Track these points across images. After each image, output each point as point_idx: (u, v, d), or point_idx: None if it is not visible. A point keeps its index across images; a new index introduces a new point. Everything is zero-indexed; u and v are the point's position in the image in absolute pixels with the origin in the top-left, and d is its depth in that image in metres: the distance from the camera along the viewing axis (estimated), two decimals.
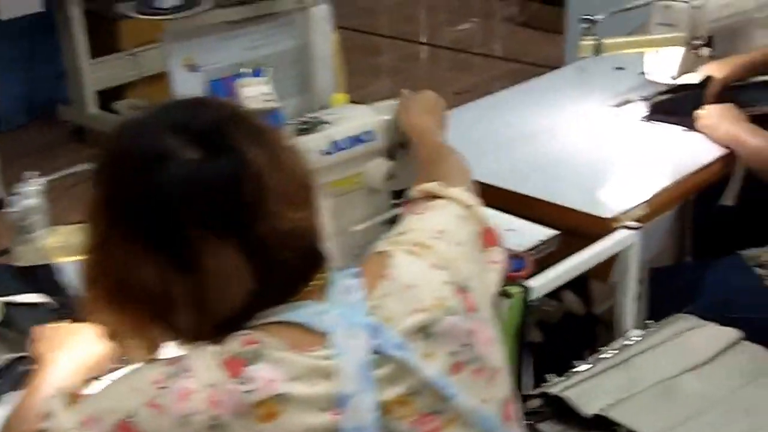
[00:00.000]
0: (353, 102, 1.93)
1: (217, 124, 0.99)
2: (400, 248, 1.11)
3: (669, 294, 2.07)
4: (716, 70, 2.15)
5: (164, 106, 1.07)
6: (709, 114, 2.05)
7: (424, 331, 1.02)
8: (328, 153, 1.51)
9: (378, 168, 1.57)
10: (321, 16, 1.91)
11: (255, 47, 1.87)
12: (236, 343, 0.95)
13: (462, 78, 5.24)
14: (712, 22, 2.20)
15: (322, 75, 1.90)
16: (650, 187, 1.87)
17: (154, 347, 1.04)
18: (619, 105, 2.28)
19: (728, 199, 2.07)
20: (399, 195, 1.63)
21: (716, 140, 2.02)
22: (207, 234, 0.95)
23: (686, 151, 2.03)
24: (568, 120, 2.20)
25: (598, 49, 2.08)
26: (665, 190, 1.88)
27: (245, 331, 0.97)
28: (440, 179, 1.30)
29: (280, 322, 0.98)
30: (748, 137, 1.95)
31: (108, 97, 4.04)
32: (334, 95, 1.85)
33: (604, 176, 1.94)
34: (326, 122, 1.54)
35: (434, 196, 1.26)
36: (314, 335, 0.97)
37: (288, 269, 0.99)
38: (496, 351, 1.09)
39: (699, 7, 2.12)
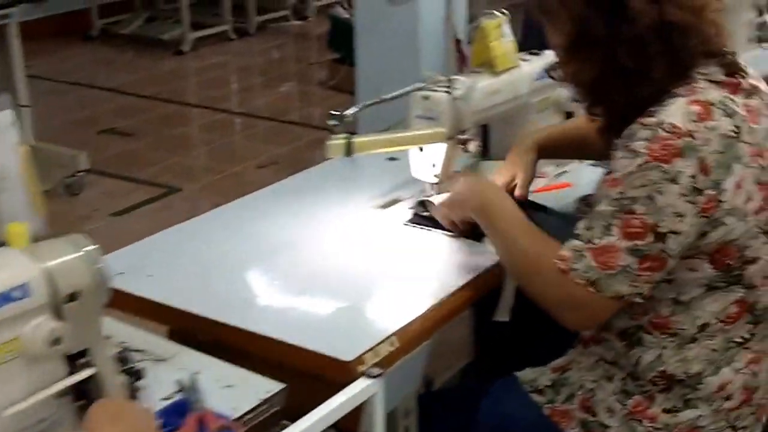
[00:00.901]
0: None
1: None
2: None
3: (441, 424, 1.82)
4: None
5: None
6: (456, 192, 1.80)
7: None
8: None
9: (39, 330, 1.23)
10: (2, 126, 1.57)
11: None
12: None
13: (268, 148, 4.96)
14: (479, 113, 1.98)
15: (8, 198, 1.54)
16: (405, 315, 1.60)
17: None
18: (385, 206, 2.03)
19: (502, 314, 1.83)
20: (75, 359, 1.30)
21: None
22: None
23: (452, 264, 1.78)
24: (322, 228, 1.92)
25: (349, 150, 1.81)
26: (422, 318, 1.61)
27: None
28: None
29: None
30: (512, 232, 1.68)
31: None
32: (10, 227, 1.50)
33: (352, 302, 1.66)
34: None
35: None
36: None
37: None
38: None
39: (462, 98, 1.89)
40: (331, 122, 1.81)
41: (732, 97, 1.55)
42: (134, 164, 4.78)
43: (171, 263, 1.78)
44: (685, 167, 1.46)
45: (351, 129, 1.85)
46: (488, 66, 2.04)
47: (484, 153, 2.26)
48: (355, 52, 3.30)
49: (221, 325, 1.59)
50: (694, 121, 1.48)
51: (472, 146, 1.92)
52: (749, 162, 1.51)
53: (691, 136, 1.47)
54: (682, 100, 1.51)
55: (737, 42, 3.22)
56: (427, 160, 1.93)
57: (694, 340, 1.59)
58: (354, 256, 1.81)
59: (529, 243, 1.64)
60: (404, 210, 1.99)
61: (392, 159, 2.20)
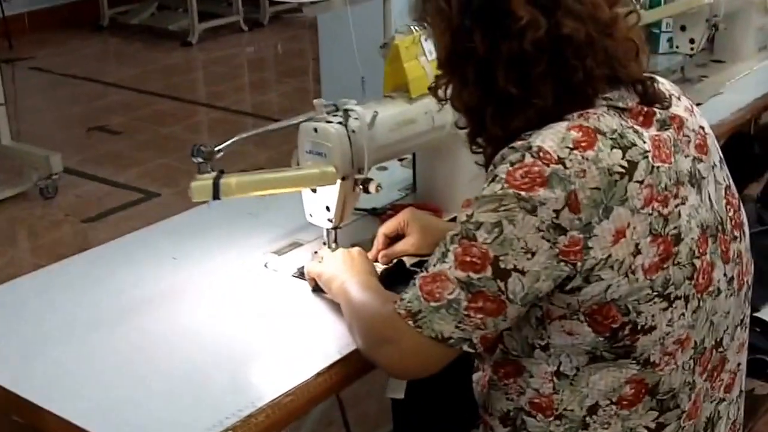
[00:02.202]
0: None
1: None
2: None
3: None
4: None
5: None
6: (322, 263, 1.56)
7: None
8: None
9: None
10: None
11: None
12: None
13: (258, 151, 4.68)
14: (386, 147, 1.69)
15: None
16: (250, 402, 1.32)
17: None
18: (280, 252, 1.76)
19: (395, 391, 1.55)
20: None
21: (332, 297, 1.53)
22: None
23: (330, 334, 1.48)
24: (198, 281, 1.64)
25: (216, 192, 1.54)
26: (271, 407, 1.32)
27: None
28: None
29: None
30: (357, 291, 1.43)
31: None
32: None
33: (195, 383, 1.38)
34: None
35: None
36: None
37: None
38: None
39: (359, 131, 1.60)
40: (196, 159, 1.54)
41: (638, 128, 1.26)
42: (117, 165, 4.56)
43: (8, 324, 1.52)
44: (549, 198, 1.18)
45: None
46: (403, 91, 1.75)
47: (414, 188, 2.00)
48: (320, 55, 3.02)
49: (37, 408, 1.33)
50: (570, 148, 1.20)
51: (373, 187, 1.63)
52: (640, 207, 1.21)
53: (562, 163, 1.19)
54: (562, 124, 1.23)
55: (746, 50, 2.89)
56: (321, 203, 1.65)
57: (585, 425, 1.30)
58: (221, 320, 1.53)
59: (365, 297, 1.42)
60: (301, 257, 1.72)
61: None
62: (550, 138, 1.21)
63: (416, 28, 1.76)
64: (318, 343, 1.47)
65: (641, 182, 1.21)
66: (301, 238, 1.79)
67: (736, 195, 1.40)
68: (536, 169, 1.19)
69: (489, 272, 1.20)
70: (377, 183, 1.64)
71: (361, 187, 1.64)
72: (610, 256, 1.20)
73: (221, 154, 1.57)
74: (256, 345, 1.48)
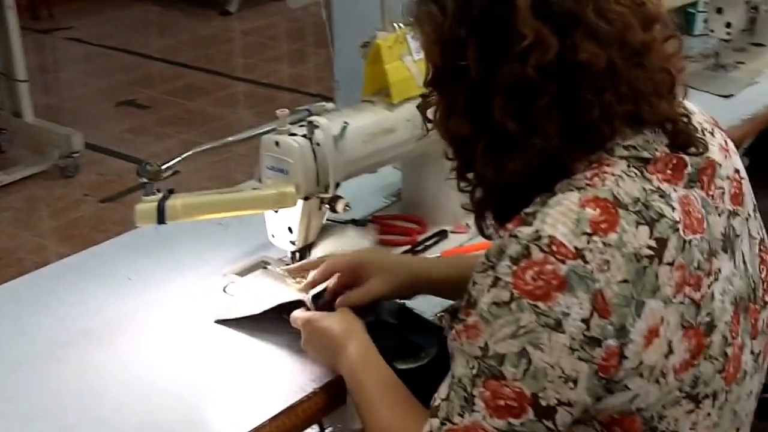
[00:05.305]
0: None
1: None
2: None
3: None
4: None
5: None
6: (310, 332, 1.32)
7: None
8: None
9: None
10: None
11: None
12: None
13: None
14: (359, 161, 1.52)
15: None
16: None
17: None
18: (243, 272, 1.59)
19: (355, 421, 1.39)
20: None
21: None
22: None
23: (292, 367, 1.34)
24: (145, 310, 1.49)
25: (162, 216, 1.38)
26: None
27: None
28: None
29: None
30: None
31: None
32: None
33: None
34: None
35: None
36: None
37: None
38: None
39: (323, 144, 1.43)
40: (141, 179, 1.38)
41: (665, 187, 1.02)
42: (141, 141, 4.45)
43: None
44: (573, 306, 0.95)
45: None
46: (384, 95, 1.57)
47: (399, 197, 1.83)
48: (333, 41, 2.82)
49: None
50: (588, 234, 0.96)
51: (340, 207, 1.46)
52: (672, 295, 0.99)
53: (582, 257, 0.95)
54: (573, 196, 0.99)
55: None
56: (283, 223, 1.49)
57: None
58: (166, 359, 1.37)
59: (390, 416, 1.16)
60: (261, 281, 1.55)
61: None
62: (562, 222, 0.97)
63: (400, 24, 1.57)
64: (271, 385, 1.31)
65: (672, 264, 0.99)
66: (266, 256, 1.61)
67: None
68: (549, 267, 0.95)
69: (531, 414, 0.98)
70: (345, 202, 1.47)
71: (327, 206, 1.47)
72: (641, 362, 0.98)
73: (169, 172, 1.41)
74: (206, 389, 1.32)
